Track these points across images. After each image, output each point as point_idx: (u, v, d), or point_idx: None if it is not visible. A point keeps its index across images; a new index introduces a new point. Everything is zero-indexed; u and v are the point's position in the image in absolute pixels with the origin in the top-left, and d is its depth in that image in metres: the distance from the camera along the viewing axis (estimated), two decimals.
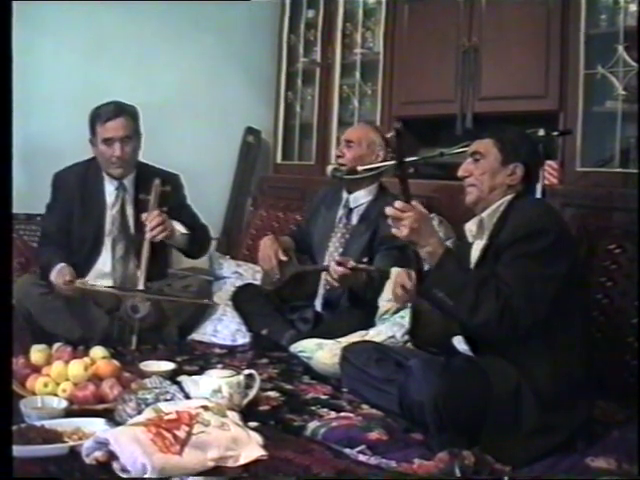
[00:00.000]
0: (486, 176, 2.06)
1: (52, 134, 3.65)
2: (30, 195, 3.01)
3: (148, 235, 2.84)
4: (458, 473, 1.71)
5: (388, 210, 1.90)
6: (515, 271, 1.87)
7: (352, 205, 3.02)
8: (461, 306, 1.85)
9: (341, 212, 3.04)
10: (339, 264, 2.63)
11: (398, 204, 1.89)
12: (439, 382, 1.81)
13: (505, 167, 2.06)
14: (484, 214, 2.07)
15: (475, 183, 2.08)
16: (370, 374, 2.18)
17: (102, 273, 2.96)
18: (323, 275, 2.90)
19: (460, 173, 2.12)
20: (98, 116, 2.93)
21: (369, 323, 2.70)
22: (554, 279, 1.88)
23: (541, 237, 1.89)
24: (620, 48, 2.77)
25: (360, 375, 2.21)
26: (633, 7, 2.75)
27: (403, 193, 1.90)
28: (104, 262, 2.98)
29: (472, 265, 2.05)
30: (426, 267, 1.95)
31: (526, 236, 1.90)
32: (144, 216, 2.88)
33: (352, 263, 2.62)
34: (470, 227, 2.11)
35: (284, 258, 2.98)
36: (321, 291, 2.96)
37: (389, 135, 1.99)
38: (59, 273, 2.72)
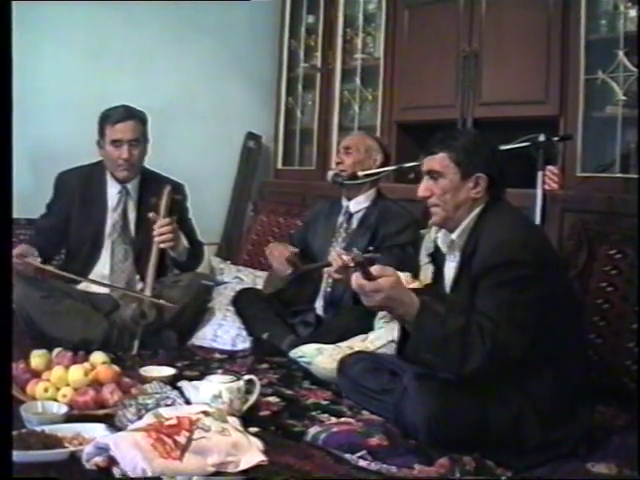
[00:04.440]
0: (448, 195, 1.92)
1: (54, 138, 3.65)
2: (34, 200, 3.00)
3: (157, 239, 2.81)
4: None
5: (353, 284, 1.76)
6: (495, 301, 1.76)
7: (352, 210, 3.05)
8: (450, 362, 1.76)
9: (342, 218, 3.08)
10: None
11: (362, 284, 1.74)
12: (434, 404, 1.79)
13: (466, 181, 1.91)
14: (454, 235, 1.96)
15: (438, 203, 1.94)
16: (365, 386, 2.17)
17: (102, 275, 2.96)
18: (325, 276, 2.93)
19: (420, 194, 1.98)
20: (108, 118, 2.94)
21: (369, 325, 2.70)
22: (536, 304, 1.77)
23: (516, 267, 1.77)
24: (620, 53, 2.78)
25: (356, 387, 2.21)
26: (633, 13, 2.77)
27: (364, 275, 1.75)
28: (104, 264, 2.98)
29: (448, 284, 1.98)
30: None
31: (501, 265, 1.78)
32: (155, 222, 2.82)
33: (357, 252, 2.61)
34: (442, 240, 2.04)
35: (294, 249, 2.98)
36: (322, 292, 2.98)
37: None
38: (15, 250, 2.62)
